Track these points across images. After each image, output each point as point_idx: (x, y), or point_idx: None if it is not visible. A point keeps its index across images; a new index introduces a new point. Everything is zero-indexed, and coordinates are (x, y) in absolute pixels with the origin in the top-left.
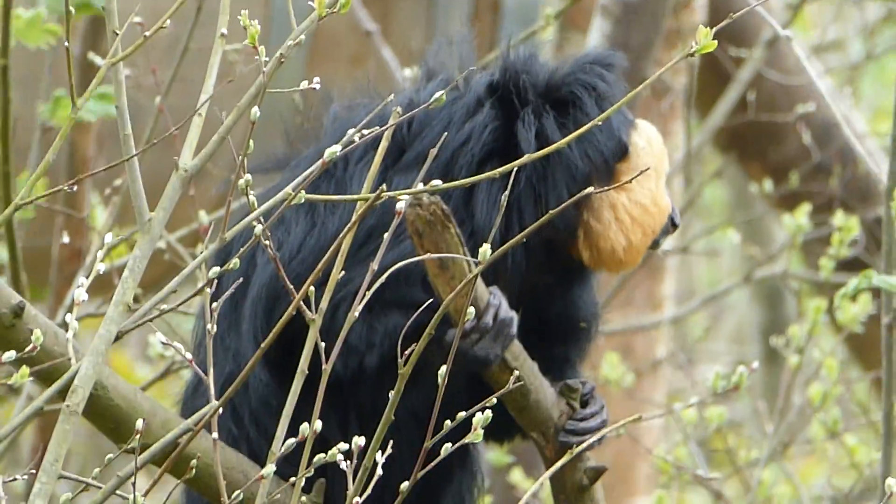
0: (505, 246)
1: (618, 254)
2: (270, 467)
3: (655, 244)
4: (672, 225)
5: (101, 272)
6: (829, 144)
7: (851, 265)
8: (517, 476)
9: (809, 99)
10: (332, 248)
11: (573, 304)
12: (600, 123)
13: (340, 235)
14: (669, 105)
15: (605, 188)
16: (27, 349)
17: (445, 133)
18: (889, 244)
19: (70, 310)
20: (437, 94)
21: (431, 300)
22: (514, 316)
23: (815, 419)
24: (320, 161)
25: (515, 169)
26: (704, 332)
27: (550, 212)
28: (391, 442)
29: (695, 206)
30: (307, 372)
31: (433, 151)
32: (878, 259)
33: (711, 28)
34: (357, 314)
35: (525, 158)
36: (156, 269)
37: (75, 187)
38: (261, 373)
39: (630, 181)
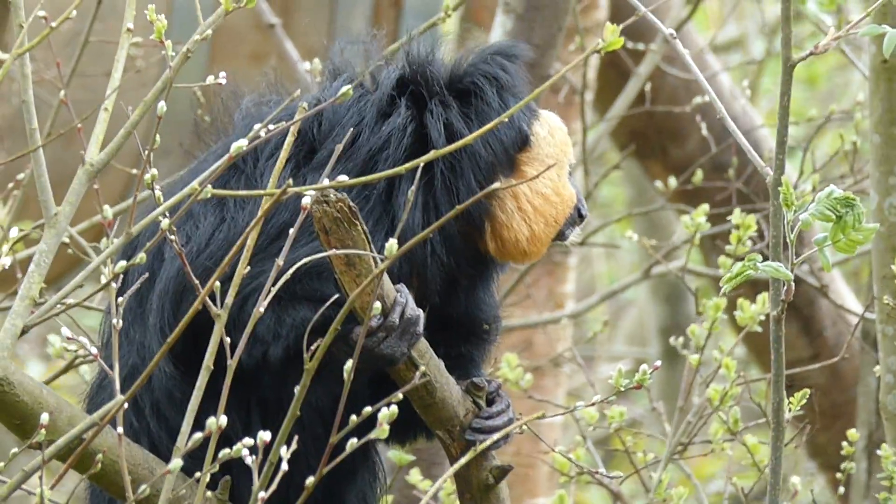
0: (411, 241)
1: (521, 244)
2: (177, 461)
3: (562, 235)
4: (579, 216)
5: (6, 267)
6: (730, 139)
7: None
8: (415, 476)
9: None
10: (238, 243)
11: (477, 306)
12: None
13: (247, 229)
14: (564, 98)
15: (514, 183)
16: None
17: (353, 130)
18: (777, 236)
19: None
20: (343, 89)
21: (339, 296)
22: (421, 314)
23: (715, 418)
24: (227, 156)
25: (434, 162)
26: (603, 325)
27: (460, 204)
28: (296, 438)
29: (594, 202)
30: (212, 367)
31: (339, 147)
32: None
33: (617, 25)
34: (262, 309)
35: (432, 154)
36: (57, 263)
37: None
38: (165, 365)
39: (537, 176)
